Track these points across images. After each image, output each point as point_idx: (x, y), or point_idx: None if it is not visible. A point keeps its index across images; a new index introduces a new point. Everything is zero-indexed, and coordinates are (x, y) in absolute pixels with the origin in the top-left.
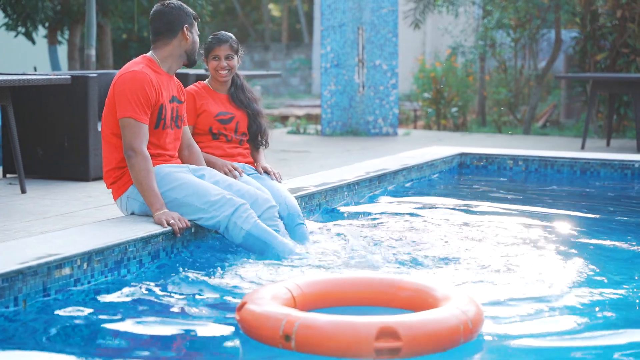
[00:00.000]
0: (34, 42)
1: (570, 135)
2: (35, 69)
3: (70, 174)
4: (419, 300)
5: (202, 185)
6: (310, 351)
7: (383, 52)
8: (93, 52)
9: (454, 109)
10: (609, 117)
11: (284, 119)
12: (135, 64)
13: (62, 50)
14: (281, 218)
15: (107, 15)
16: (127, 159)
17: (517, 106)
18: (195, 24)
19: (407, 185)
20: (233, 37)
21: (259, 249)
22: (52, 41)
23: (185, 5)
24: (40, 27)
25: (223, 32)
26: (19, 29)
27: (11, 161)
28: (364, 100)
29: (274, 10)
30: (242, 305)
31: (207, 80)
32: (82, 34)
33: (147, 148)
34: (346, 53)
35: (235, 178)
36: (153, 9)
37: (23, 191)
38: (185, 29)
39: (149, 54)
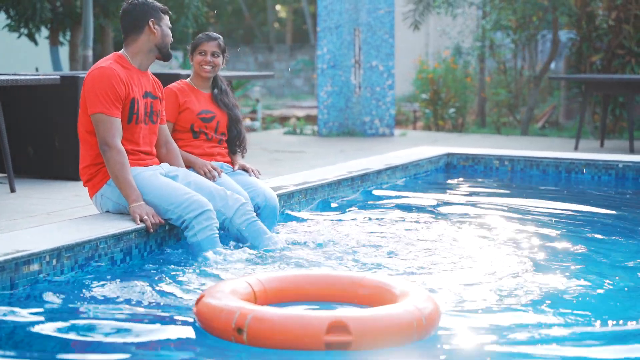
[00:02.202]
0: (36, 43)
1: (568, 136)
2: (37, 70)
3: (60, 173)
4: (378, 297)
5: (170, 186)
6: (262, 344)
7: (379, 53)
8: (90, 52)
9: (452, 110)
10: (603, 117)
11: (284, 120)
12: (104, 61)
13: (64, 51)
14: (260, 209)
15: (108, 16)
16: (102, 153)
17: (517, 107)
18: (165, 17)
19: (391, 185)
20: (222, 38)
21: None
22: (54, 42)
23: (151, 1)
24: (42, 28)
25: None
26: (22, 30)
27: (1, 160)
28: (360, 101)
29: (282, 11)
30: (200, 298)
31: (189, 78)
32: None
33: (121, 144)
34: (343, 54)
35: (213, 179)
36: (121, 10)
37: (12, 190)
38: (151, 23)
39: (120, 51)
